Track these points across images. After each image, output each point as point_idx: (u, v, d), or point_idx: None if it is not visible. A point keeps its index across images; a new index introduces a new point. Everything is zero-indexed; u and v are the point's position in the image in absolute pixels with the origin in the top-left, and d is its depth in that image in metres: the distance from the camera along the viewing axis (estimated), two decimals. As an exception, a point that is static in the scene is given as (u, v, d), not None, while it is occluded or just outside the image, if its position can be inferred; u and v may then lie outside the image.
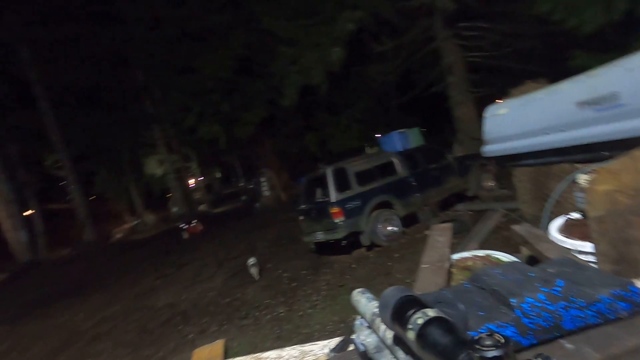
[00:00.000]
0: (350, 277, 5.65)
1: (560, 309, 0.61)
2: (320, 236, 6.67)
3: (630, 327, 0.62)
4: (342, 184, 6.45)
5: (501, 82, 9.95)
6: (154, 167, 24.02)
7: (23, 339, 6.94)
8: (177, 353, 4.73)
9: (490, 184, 7.85)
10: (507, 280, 0.70)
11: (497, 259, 1.61)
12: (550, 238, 1.56)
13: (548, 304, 0.62)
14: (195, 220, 15.16)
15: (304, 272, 6.57)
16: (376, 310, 0.66)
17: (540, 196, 3.59)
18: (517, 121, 2.13)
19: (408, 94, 12.73)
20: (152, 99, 20.35)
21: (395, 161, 7.07)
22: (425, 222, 6.86)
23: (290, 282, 6.25)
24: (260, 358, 1.08)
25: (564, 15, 7.03)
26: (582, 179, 1.44)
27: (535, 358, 0.37)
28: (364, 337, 0.72)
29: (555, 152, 1.93)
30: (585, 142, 1.69)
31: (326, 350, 1.02)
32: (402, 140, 7.65)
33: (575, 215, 1.73)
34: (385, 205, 6.69)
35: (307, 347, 1.08)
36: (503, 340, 0.35)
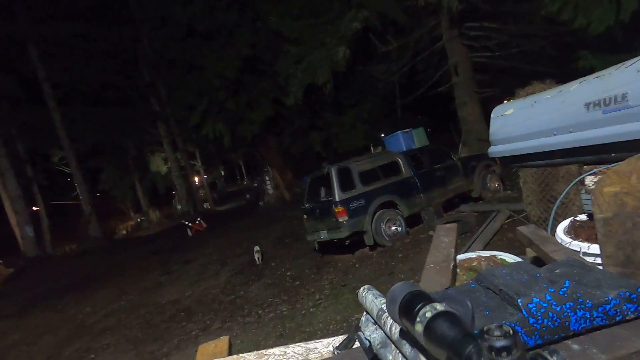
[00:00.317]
0: (353, 276, 5.65)
1: (567, 310, 0.61)
2: (323, 235, 6.68)
3: (637, 329, 0.62)
4: (346, 184, 6.45)
5: (507, 82, 9.89)
6: (159, 164, 24.19)
7: (31, 332, 7.03)
8: (180, 349, 4.77)
9: (495, 185, 7.81)
10: (513, 280, 0.70)
11: (503, 259, 1.61)
12: (557, 240, 1.55)
13: (555, 305, 0.62)
14: (199, 218, 15.25)
15: (307, 270, 6.59)
16: (383, 306, 0.66)
17: (546, 198, 3.57)
18: (524, 122, 2.12)
19: (413, 94, 12.68)
20: (158, 97, 20.49)
21: (400, 161, 7.06)
22: (429, 222, 6.84)
23: (294, 280, 6.27)
24: (265, 355, 1.09)
25: (572, 15, 6.96)
26: (589, 180, 1.43)
27: (544, 352, 0.37)
28: (369, 333, 0.73)
29: (562, 153, 1.91)
30: (593, 143, 1.68)
31: (330, 348, 1.02)
32: (406, 140, 7.63)
33: (581, 217, 1.72)
34: (389, 205, 6.68)
35: (312, 344, 1.09)
36: (512, 331, 0.36)
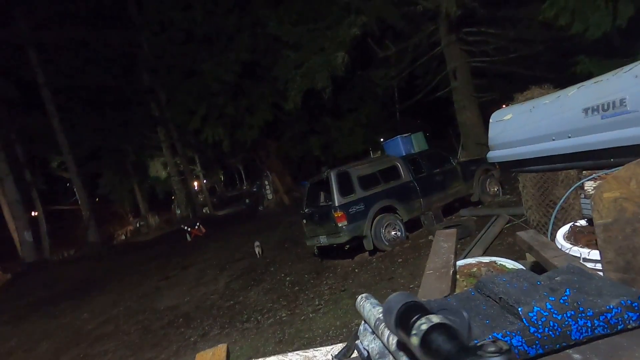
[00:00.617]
0: (353, 281, 5.62)
1: (568, 319, 0.60)
2: (323, 240, 6.66)
3: (638, 338, 0.61)
4: (346, 188, 6.44)
5: (506, 87, 9.94)
6: (159, 169, 24.18)
7: (28, 338, 6.97)
8: (179, 356, 4.73)
9: (495, 189, 7.81)
10: (513, 288, 0.69)
11: (503, 265, 1.60)
12: (556, 245, 1.55)
13: (556, 313, 0.61)
14: (199, 223, 15.21)
15: (307, 275, 6.56)
16: (380, 315, 0.66)
17: (545, 202, 3.57)
18: (522, 127, 2.12)
19: (412, 99, 12.73)
20: (157, 102, 20.53)
21: (399, 165, 7.06)
22: (428, 227, 6.83)
23: (293, 285, 6.24)
24: (263, 363, 1.07)
25: (569, 20, 7.01)
26: (589, 185, 1.43)
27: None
28: (368, 343, 0.72)
29: (561, 159, 1.91)
30: (592, 148, 1.68)
31: (329, 357, 1.01)
32: (406, 144, 7.64)
33: (581, 222, 1.71)
34: (389, 209, 6.67)
35: (310, 352, 1.08)
36: (506, 347, 0.35)
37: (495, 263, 1.64)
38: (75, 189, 19.34)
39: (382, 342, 0.63)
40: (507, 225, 5.69)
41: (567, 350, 0.61)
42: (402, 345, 0.54)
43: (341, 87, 13.85)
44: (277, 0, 13.88)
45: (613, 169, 1.34)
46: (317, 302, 5.23)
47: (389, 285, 5.09)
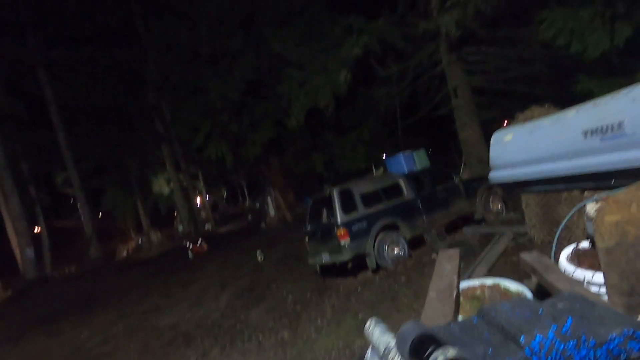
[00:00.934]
0: (356, 301, 5.54)
1: (571, 348, 0.61)
2: (325, 258, 6.60)
3: (642, 368, 0.61)
4: (348, 206, 6.43)
5: (507, 104, 10.05)
6: (162, 185, 24.29)
7: (27, 356, 6.87)
8: (178, 377, 4.64)
9: (498, 207, 7.77)
10: (515, 316, 0.70)
11: (507, 288, 1.58)
12: (560, 268, 1.54)
13: (558, 343, 0.61)
14: (201, 240, 15.15)
15: (309, 294, 6.47)
16: (390, 343, 0.66)
17: (548, 220, 3.55)
18: (523, 148, 2.14)
19: (414, 116, 12.86)
20: (162, 119, 20.83)
21: (402, 183, 7.06)
22: (432, 245, 6.77)
23: (295, 304, 6.15)
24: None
25: (568, 41, 7.15)
26: (591, 207, 1.43)
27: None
28: (374, 369, 0.72)
29: (563, 180, 1.92)
30: (591, 170, 1.70)
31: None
32: (408, 161, 7.67)
33: (584, 244, 1.71)
34: (392, 227, 6.63)
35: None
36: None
37: (499, 285, 1.63)
38: (78, 205, 19.40)
39: (388, 369, 0.63)
40: (511, 243, 5.64)
41: (571, 380, 0.61)
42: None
43: (344, 104, 14.04)
44: (281, 21, 14.25)
45: (614, 191, 1.35)
46: (319, 322, 5.15)
47: (392, 305, 5.01)
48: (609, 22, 6.81)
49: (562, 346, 0.61)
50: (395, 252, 6.51)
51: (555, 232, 2.90)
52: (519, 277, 2.65)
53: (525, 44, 9.93)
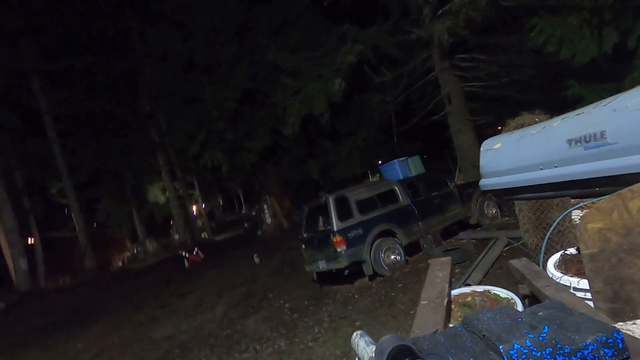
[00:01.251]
0: (353, 308, 5.54)
1: (547, 356, 0.63)
2: (322, 265, 6.60)
3: (617, 374, 0.63)
4: (344, 213, 6.46)
5: (500, 110, 10.16)
6: (157, 194, 24.18)
7: (18, 372, 6.77)
8: (174, 389, 4.60)
9: (493, 211, 7.82)
10: (496, 325, 0.72)
11: (497, 295, 1.61)
12: (547, 274, 1.57)
13: (535, 351, 0.63)
14: (197, 248, 15.08)
15: (306, 302, 6.46)
16: (373, 355, 0.68)
17: (542, 226, 3.59)
18: (511, 156, 2.18)
19: (409, 122, 12.96)
20: (157, 127, 20.82)
21: (397, 189, 7.10)
22: (428, 250, 6.80)
23: (292, 313, 6.14)
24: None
25: (557, 47, 7.28)
26: (576, 214, 1.47)
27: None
28: (361, 380, 0.74)
29: (550, 187, 1.96)
30: (577, 178, 1.73)
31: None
32: (403, 168, 7.72)
33: (571, 250, 1.74)
34: (388, 234, 6.66)
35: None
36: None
37: (489, 292, 1.66)
38: (73, 215, 19.25)
39: (372, 381, 0.65)
40: (506, 248, 5.68)
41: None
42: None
43: (339, 112, 14.12)
44: (275, 30, 14.40)
45: (599, 198, 1.38)
46: (316, 330, 5.14)
47: (389, 312, 5.02)
48: (596, 29, 6.95)
49: (539, 354, 0.63)
50: (392, 258, 6.52)
51: (549, 237, 2.94)
52: (514, 282, 2.66)
53: (516, 50, 10.09)
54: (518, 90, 10.68)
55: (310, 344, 4.75)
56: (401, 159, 7.90)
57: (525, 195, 2.31)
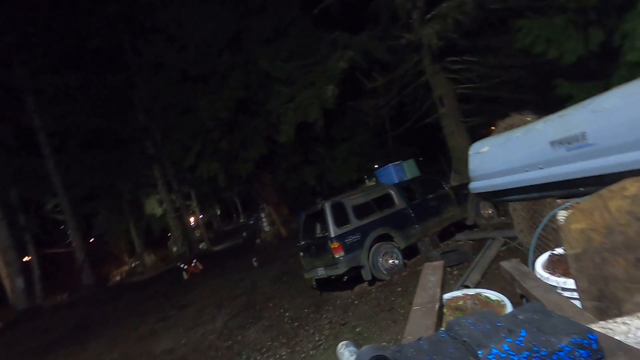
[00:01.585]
0: (353, 314, 5.53)
1: (524, 359, 0.65)
2: (321, 272, 6.60)
3: (592, 375, 0.65)
4: (341, 219, 6.46)
5: (492, 110, 10.26)
6: (154, 206, 24.09)
7: (16, 393, 6.67)
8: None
9: (489, 212, 7.86)
10: (477, 330, 0.74)
11: (487, 297, 1.63)
12: (535, 275, 1.59)
13: (512, 355, 0.65)
14: (195, 260, 15.01)
15: (306, 310, 6.44)
16: (354, 365, 0.70)
17: (536, 225, 3.62)
18: (498, 159, 2.22)
19: (403, 126, 13.04)
20: (152, 140, 20.81)
21: (393, 193, 7.13)
22: (425, 253, 6.81)
23: (292, 321, 6.12)
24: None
25: (545, 47, 7.38)
26: (562, 214, 1.49)
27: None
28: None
29: (535, 189, 1.99)
30: (561, 179, 1.77)
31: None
32: (398, 172, 7.76)
33: (559, 251, 1.76)
34: (385, 238, 6.67)
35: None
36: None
37: (480, 295, 1.67)
38: (69, 231, 19.11)
39: (355, 390, 0.67)
40: (503, 247, 5.70)
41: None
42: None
43: (333, 118, 14.18)
44: (267, 39, 14.51)
45: (582, 198, 1.41)
46: (317, 338, 5.12)
47: (389, 316, 5.01)
48: (582, 28, 7.07)
49: (516, 358, 0.65)
50: (390, 262, 6.53)
51: (542, 237, 2.97)
52: (511, 283, 2.67)
53: (505, 52, 10.21)
54: (509, 91, 10.80)
55: (311, 352, 4.73)
56: (396, 163, 7.95)
57: (513, 197, 2.34)
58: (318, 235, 7.07)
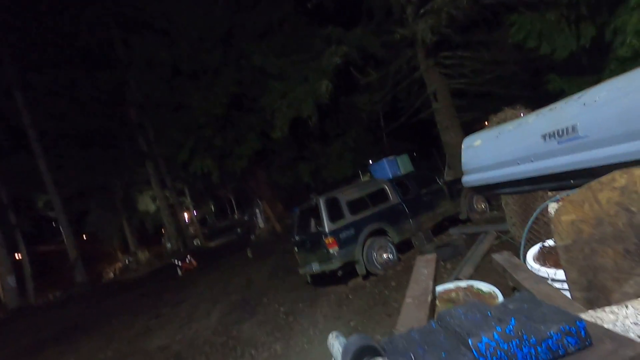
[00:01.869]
0: (347, 308, 5.56)
1: (514, 348, 0.65)
2: (315, 267, 6.62)
3: (579, 363, 0.66)
4: (335, 214, 6.48)
5: (486, 105, 10.32)
6: (148, 203, 23.92)
7: (9, 392, 6.62)
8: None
9: (482, 206, 7.93)
10: (467, 320, 0.74)
11: (479, 289, 1.64)
12: (527, 266, 1.61)
13: (502, 343, 0.66)
14: (190, 256, 14.95)
15: (301, 304, 6.46)
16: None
17: (527, 218, 3.66)
18: (491, 152, 2.23)
19: (397, 122, 13.06)
20: (145, 137, 20.61)
21: (387, 188, 7.16)
22: (419, 247, 6.86)
23: (287, 316, 6.13)
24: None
25: (537, 43, 7.42)
26: (552, 207, 1.51)
27: None
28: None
29: (527, 182, 2.01)
30: (552, 172, 1.78)
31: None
32: (392, 167, 7.78)
33: (549, 243, 1.78)
34: (379, 232, 6.70)
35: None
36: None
37: (472, 287, 1.69)
38: (61, 228, 18.91)
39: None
40: (496, 241, 5.76)
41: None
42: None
43: (327, 113, 14.16)
44: (260, 34, 14.39)
45: (573, 190, 1.42)
46: (311, 332, 5.14)
47: (383, 310, 5.05)
48: (574, 23, 7.11)
49: (505, 346, 0.65)
50: (384, 257, 6.56)
51: (534, 229, 3.00)
52: (503, 275, 2.69)
53: (498, 47, 10.25)
54: (502, 86, 10.86)
55: (305, 346, 4.76)
56: (390, 158, 7.96)
57: (506, 190, 2.36)
58: (312, 231, 7.08)
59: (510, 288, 2.07)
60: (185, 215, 25.37)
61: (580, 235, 1.20)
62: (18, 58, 17.03)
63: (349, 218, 6.51)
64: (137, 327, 8.36)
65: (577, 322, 0.66)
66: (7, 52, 16.62)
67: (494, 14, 9.73)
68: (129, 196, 23.77)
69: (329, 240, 6.25)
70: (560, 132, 1.68)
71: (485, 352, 0.64)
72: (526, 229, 2.16)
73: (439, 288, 1.72)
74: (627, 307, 0.91)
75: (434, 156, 15.14)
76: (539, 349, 0.65)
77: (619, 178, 1.13)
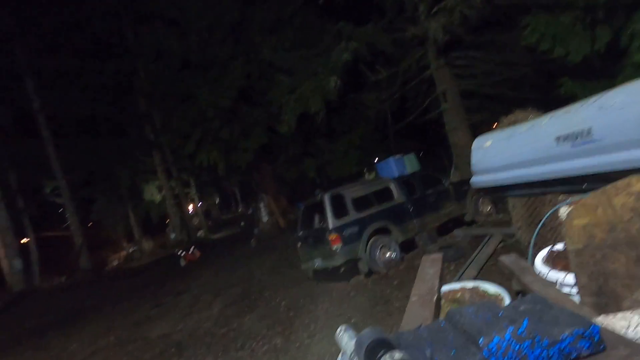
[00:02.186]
0: (349, 306, 5.57)
1: (526, 349, 0.64)
2: (318, 263, 6.63)
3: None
4: (340, 210, 6.47)
5: (495, 107, 10.22)
6: (153, 193, 24.08)
7: (12, 373, 6.73)
8: (170, 387, 4.60)
9: (488, 208, 7.88)
10: (478, 319, 0.73)
11: (485, 290, 1.63)
12: (535, 270, 1.59)
13: (514, 344, 0.65)
14: (193, 247, 15.06)
15: (302, 300, 6.48)
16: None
17: (535, 222, 3.62)
18: (502, 153, 2.21)
19: (404, 121, 12.97)
20: (152, 126, 20.71)
21: (392, 187, 7.13)
22: (423, 247, 6.83)
23: (288, 311, 6.15)
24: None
25: (551, 46, 7.31)
26: (563, 211, 1.49)
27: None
28: (345, 373, 0.75)
29: (539, 184, 1.99)
30: (565, 175, 1.76)
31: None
32: (398, 166, 7.75)
33: (559, 247, 1.76)
34: (383, 231, 6.69)
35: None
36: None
37: (478, 288, 1.68)
38: (68, 215, 19.12)
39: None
40: (500, 244, 5.73)
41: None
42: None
43: (334, 110, 14.10)
44: (270, 29, 14.33)
45: (585, 194, 1.40)
46: (312, 328, 5.16)
47: (385, 309, 5.05)
48: (589, 27, 6.99)
49: (517, 346, 0.65)
50: (387, 255, 6.55)
51: (541, 233, 2.97)
52: (507, 278, 2.69)
53: (510, 48, 10.12)
54: (513, 88, 10.74)
55: (306, 341, 4.77)
56: (396, 156, 7.93)
57: (515, 192, 2.33)
58: (316, 227, 7.09)
59: (514, 292, 2.06)
60: (190, 206, 25.52)
61: (592, 239, 1.18)
62: (30, 45, 17.16)
63: (353, 215, 6.50)
64: (138, 315, 8.45)
65: (592, 327, 0.65)
66: (19, 38, 16.75)
67: (507, 14, 9.60)
68: (135, 185, 23.93)
69: (333, 236, 6.25)
70: (575, 135, 1.65)
71: (497, 352, 0.64)
72: (535, 232, 2.13)
73: (445, 288, 1.72)
74: (638, 313, 0.90)
75: (441, 157, 15.05)
76: (551, 351, 0.64)
77: (636, 183, 1.11)
